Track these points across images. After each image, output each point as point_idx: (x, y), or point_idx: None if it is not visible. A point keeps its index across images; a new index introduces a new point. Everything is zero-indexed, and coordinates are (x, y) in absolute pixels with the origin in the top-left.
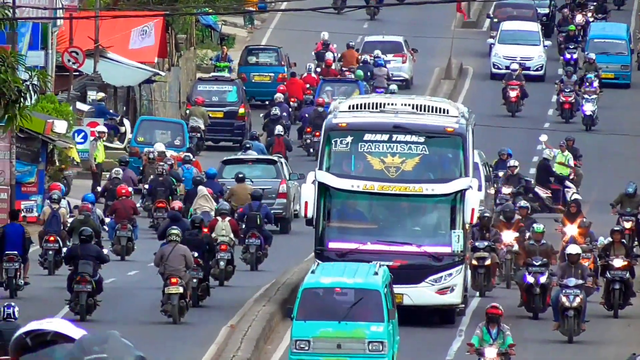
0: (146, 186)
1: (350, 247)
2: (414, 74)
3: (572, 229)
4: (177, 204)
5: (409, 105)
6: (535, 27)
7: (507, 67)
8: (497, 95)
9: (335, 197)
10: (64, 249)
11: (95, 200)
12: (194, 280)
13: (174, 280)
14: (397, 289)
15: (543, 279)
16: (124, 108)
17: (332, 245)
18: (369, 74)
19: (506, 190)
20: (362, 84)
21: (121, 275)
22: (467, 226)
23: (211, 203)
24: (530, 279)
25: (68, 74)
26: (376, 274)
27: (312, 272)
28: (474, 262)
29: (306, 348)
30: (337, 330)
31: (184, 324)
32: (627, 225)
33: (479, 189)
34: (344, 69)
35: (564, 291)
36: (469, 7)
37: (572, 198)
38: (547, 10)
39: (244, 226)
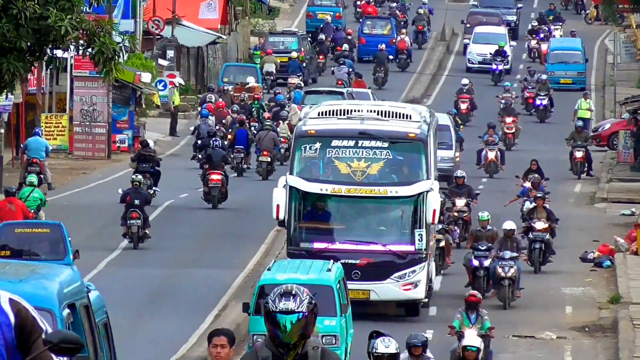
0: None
1: (319, 246)
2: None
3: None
4: (266, 115)
5: (374, 111)
6: (502, 30)
7: (480, 62)
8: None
9: (306, 200)
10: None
11: (207, 114)
12: None
13: (265, 152)
14: (364, 285)
15: (487, 262)
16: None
17: (303, 245)
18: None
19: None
20: (392, 20)
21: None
22: (430, 226)
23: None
24: (475, 262)
25: (152, 37)
26: (329, 270)
27: (268, 269)
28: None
29: None
30: None
31: (240, 229)
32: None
33: (450, 148)
34: None
35: (500, 262)
36: None
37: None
38: (514, 17)
39: None
